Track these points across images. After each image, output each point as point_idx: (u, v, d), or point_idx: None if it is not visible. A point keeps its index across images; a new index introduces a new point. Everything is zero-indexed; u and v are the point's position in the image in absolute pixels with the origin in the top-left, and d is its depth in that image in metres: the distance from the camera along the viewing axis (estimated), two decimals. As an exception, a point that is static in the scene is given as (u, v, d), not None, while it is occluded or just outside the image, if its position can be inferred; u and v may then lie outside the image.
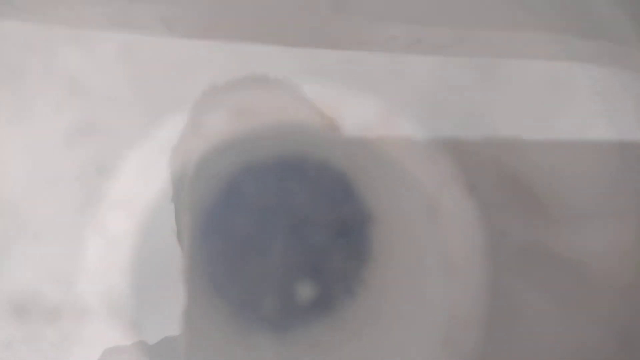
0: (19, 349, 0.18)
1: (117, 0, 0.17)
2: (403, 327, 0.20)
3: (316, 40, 0.19)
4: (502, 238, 0.20)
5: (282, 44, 0.18)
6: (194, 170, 0.18)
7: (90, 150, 0.18)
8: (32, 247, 0.18)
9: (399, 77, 0.19)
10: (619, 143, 0.21)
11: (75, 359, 0.18)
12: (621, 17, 0.20)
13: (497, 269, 0.20)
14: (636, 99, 0.21)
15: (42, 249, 0.18)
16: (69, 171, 0.18)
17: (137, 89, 0.18)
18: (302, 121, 0.19)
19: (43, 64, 0.17)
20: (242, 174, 0.19)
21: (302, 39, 0.18)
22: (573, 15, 0.20)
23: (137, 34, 0.17)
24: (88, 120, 0.18)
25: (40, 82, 0.18)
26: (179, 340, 0.18)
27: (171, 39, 0.17)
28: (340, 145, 0.19)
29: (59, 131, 0.18)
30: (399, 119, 0.19)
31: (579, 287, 0.21)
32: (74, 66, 0.18)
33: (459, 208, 0.20)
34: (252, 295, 0.19)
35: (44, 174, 0.18)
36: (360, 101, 0.19)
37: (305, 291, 0.19)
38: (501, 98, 0.20)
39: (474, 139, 0.20)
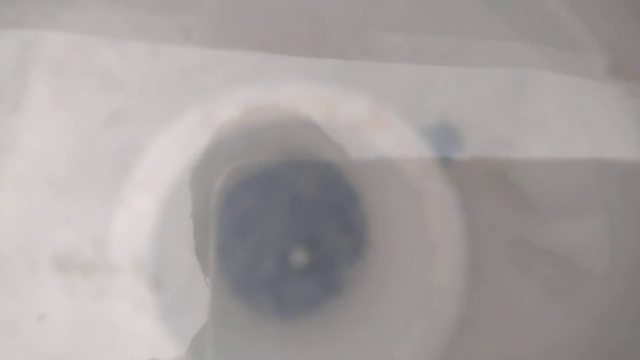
0: (59, 297, 0.20)
1: (141, 12, 0.20)
2: (389, 293, 0.22)
3: (320, 49, 0.21)
4: (491, 231, 0.22)
5: (288, 53, 0.21)
6: (208, 155, 0.21)
7: (122, 134, 0.20)
8: (72, 213, 0.20)
9: (388, 78, 0.22)
10: (592, 146, 0.22)
11: (106, 307, 0.20)
12: (584, 30, 0.22)
13: (485, 259, 0.22)
14: (603, 104, 0.22)
15: (80, 215, 0.20)
16: (103, 151, 0.20)
17: (162, 84, 0.20)
18: (303, 116, 0.21)
19: (83, 62, 0.20)
20: (249, 158, 0.21)
21: (307, 48, 0.21)
22: (542, 27, 0.22)
23: (159, 42, 0.20)
24: (120, 108, 0.20)
25: (81, 76, 0.20)
26: (190, 293, 0.21)
27: (189, 47, 0.20)
28: (335, 136, 0.21)
29: (96, 116, 0.20)
30: (387, 114, 0.22)
31: (562, 277, 0.22)
32: (109, 64, 0.20)
33: (440, 194, 0.22)
34: (255, 258, 0.21)
35: (82, 152, 0.20)
36: (353, 99, 0.21)
37: (301, 257, 0.21)
38: (482, 98, 0.22)
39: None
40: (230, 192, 0.21)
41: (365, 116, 0.21)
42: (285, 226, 0.21)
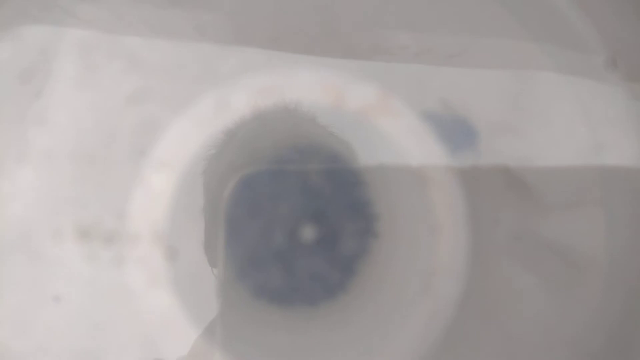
0: (81, 265, 0.22)
1: (156, 9, 0.21)
2: (394, 275, 0.23)
3: (330, 45, 0.22)
4: (495, 224, 0.22)
5: (298, 52, 0.22)
6: (223, 137, 0.22)
7: (143, 113, 0.22)
8: (95, 184, 0.22)
9: (396, 69, 0.23)
10: (594, 144, 0.23)
11: (126, 273, 0.22)
12: (589, 28, 0.23)
13: (487, 249, 0.23)
14: (606, 104, 0.23)
15: (103, 188, 0.22)
16: (125, 128, 0.22)
17: (180, 69, 0.22)
18: (314, 100, 0.22)
19: (108, 43, 0.21)
20: (262, 139, 0.23)
21: (317, 44, 0.22)
22: (551, 27, 0.23)
23: (175, 39, 0.21)
24: (143, 87, 0.22)
25: (106, 56, 0.22)
26: (203, 265, 0.23)
27: (204, 43, 0.21)
28: (343, 120, 0.23)
29: (119, 95, 0.22)
30: (394, 100, 0.23)
31: (561, 269, 0.22)
32: (133, 46, 0.22)
33: (444, 181, 0.23)
34: (265, 233, 0.22)
35: (105, 129, 0.22)
36: (362, 85, 0.23)
37: (310, 232, 0.22)
38: (487, 93, 0.23)
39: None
40: (244, 169, 0.22)
41: (373, 102, 0.23)
42: (294, 205, 0.22)
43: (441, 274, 0.23)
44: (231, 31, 0.22)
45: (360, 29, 0.23)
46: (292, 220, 0.22)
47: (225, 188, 0.22)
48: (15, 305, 0.22)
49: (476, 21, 0.23)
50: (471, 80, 0.23)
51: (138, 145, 0.22)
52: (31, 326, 0.22)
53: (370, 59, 0.22)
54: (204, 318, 0.22)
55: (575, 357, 0.23)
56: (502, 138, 0.23)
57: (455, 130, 0.23)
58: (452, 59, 0.23)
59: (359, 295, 0.23)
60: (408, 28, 0.23)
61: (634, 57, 0.23)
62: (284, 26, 0.22)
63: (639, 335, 0.22)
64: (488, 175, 0.23)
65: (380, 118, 0.22)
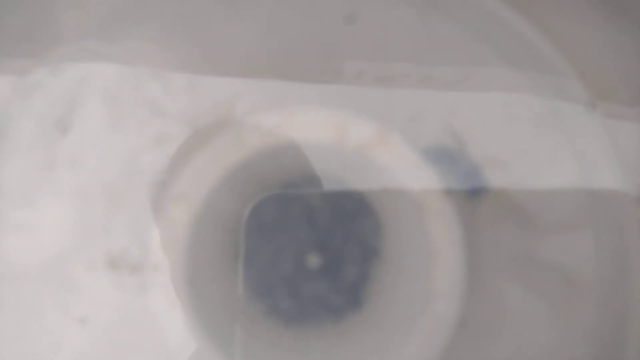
0: (109, 292, 0.23)
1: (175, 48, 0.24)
2: (395, 297, 0.24)
3: (335, 77, 0.24)
4: (494, 247, 0.24)
5: (305, 81, 0.24)
6: (236, 173, 0.24)
7: (163, 154, 0.24)
8: (123, 220, 0.24)
9: (392, 102, 0.24)
10: (580, 169, 0.24)
11: (149, 299, 0.24)
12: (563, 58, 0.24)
13: (487, 272, 0.24)
14: (586, 130, 0.24)
15: (129, 222, 0.24)
16: (147, 169, 0.24)
17: (197, 113, 0.24)
18: (316, 138, 0.24)
19: (131, 91, 0.24)
20: (271, 174, 0.24)
21: (322, 76, 0.24)
22: (528, 57, 0.24)
23: (191, 73, 0.24)
24: (163, 132, 0.24)
25: (130, 104, 0.24)
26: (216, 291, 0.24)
27: (217, 77, 0.24)
28: (345, 156, 0.24)
29: (143, 139, 0.24)
30: (392, 136, 0.24)
31: (559, 288, 0.23)
32: (154, 95, 0.24)
33: (440, 209, 0.24)
34: (274, 260, 0.24)
35: (130, 168, 0.24)
36: (362, 122, 0.24)
37: (314, 260, 0.24)
38: (480, 119, 0.24)
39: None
40: (253, 201, 0.24)
41: (373, 138, 0.24)
42: (300, 234, 0.24)
43: (440, 297, 0.24)
44: (242, 67, 0.24)
45: (363, 61, 0.24)
46: (300, 248, 0.24)
47: (240, 218, 0.24)
48: (45, 326, 0.24)
49: (472, 58, 0.25)
50: (468, 109, 0.24)
51: (159, 183, 0.24)
52: (58, 347, 0.24)
53: (373, 87, 0.24)
54: (221, 341, 0.24)
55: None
56: (495, 164, 0.24)
57: (447, 160, 0.24)
58: (452, 87, 0.24)
59: (362, 317, 0.24)
60: (408, 59, 0.24)
61: (609, 83, 0.24)
62: (291, 61, 0.24)
63: (629, 347, 0.24)
64: (485, 200, 0.24)
65: (379, 151, 0.24)
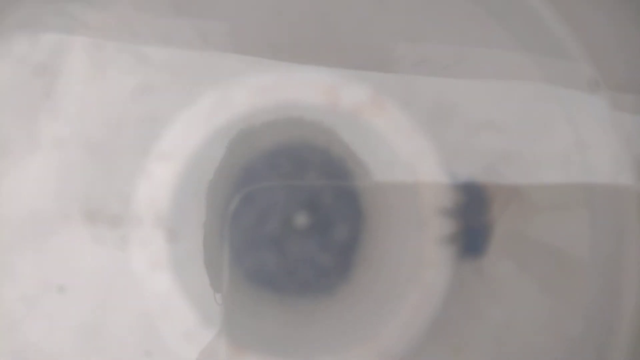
0: (88, 245, 0.23)
1: (162, 17, 0.23)
2: (385, 266, 0.24)
3: (327, 54, 0.23)
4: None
5: (300, 62, 0.23)
6: (224, 133, 0.23)
7: (148, 106, 0.23)
8: (101, 171, 0.23)
9: (387, 69, 0.24)
10: (578, 150, 0.24)
11: (130, 254, 0.23)
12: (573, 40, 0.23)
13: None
14: (589, 113, 0.24)
15: (109, 174, 0.23)
16: (131, 121, 0.23)
17: (184, 65, 0.23)
18: (310, 99, 0.23)
19: (115, 45, 0.23)
20: (261, 132, 0.24)
21: (315, 51, 0.23)
22: (537, 38, 0.24)
23: (179, 46, 0.23)
24: (148, 82, 0.23)
25: (113, 53, 0.23)
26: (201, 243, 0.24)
27: (207, 50, 0.23)
28: (337, 118, 0.24)
29: (126, 89, 0.23)
30: (385, 100, 0.24)
31: (553, 267, 0.24)
32: (139, 47, 0.23)
33: (431, 176, 0.24)
34: (261, 219, 0.24)
35: (112, 121, 0.23)
36: (355, 86, 0.24)
37: (302, 221, 0.24)
38: (475, 89, 0.24)
39: (455, 126, 0.24)
40: (241, 155, 0.24)
41: (366, 102, 0.24)
42: (288, 191, 0.24)
43: (429, 266, 0.24)
44: (232, 38, 0.23)
45: (358, 38, 0.24)
46: (288, 210, 0.24)
47: (227, 179, 0.24)
48: (23, 288, 0.23)
49: (472, 34, 0.24)
50: (464, 87, 0.24)
51: (142, 136, 0.23)
52: (39, 304, 0.23)
53: (367, 69, 0.24)
54: (202, 300, 0.24)
55: (558, 341, 0.24)
56: (487, 136, 0.24)
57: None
58: (449, 70, 0.24)
59: (353, 288, 0.24)
60: (404, 38, 0.24)
61: (616, 71, 0.24)
62: (282, 33, 0.23)
63: (617, 323, 0.24)
64: (479, 174, 0.24)
65: (370, 116, 0.23)
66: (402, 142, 0.24)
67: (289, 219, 0.24)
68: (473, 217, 0.24)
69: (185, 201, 0.24)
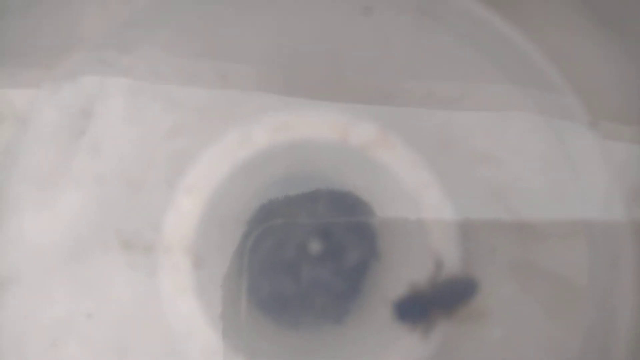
0: (124, 272, 0.25)
1: (185, 59, 0.25)
2: (387, 289, 0.25)
3: (337, 90, 0.25)
4: (492, 252, 0.24)
5: (313, 100, 0.25)
6: (244, 168, 0.25)
7: (177, 145, 0.25)
8: (136, 204, 0.25)
9: (394, 102, 0.25)
10: (575, 181, 0.25)
11: (161, 279, 0.25)
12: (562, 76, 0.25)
13: (484, 273, 0.24)
14: (583, 145, 0.25)
15: (142, 206, 0.25)
16: (162, 158, 0.25)
17: (209, 109, 0.25)
18: (322, 137, 0.25)
19: (148, 88, 0.25)
20: (277, 167, 0.25)
21: (326, 88, 0.25)
22: (528, 74, 0.25)
23: (201, 87, 0.25)
24: (178, 124, 0.25)
25: (147, 98, 0.25)
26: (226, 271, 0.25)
27: (226, 90, 0.25)
28: (348, 154, 0.25)
29: (160, 129, 0.25)
30: (391, 136, 0.25)
31: (557, 293, 0.24)
32: (170, 89, 0.25)
33: (436, 206, 0.25)
34: (278, 246, 0.25)
35: (147, 157, 0.25)
36: (364, 123, 0.25)
37: (316, 249, 0.25)
38: (476, 124, 0.25)
39: (457, 159, 0.25)
40: (261, 192, 0.25)
41: (374, 139, 0.25)
42: (304, 221, 0.25)
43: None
44: (250, 78, 0.25)
45: (366, 76, 0.25)
46: (302, 234, 0.25)
47: (247, 211, 0.25)
48: (59, 311, 0.25)
49: (471, 72, 0.25)
50: (465, 122, 0.25)
51: (172, 172, 0.25)
52: (72, 327, 0.25)
53: (375, 103, 0.25)
54: (223, 323, 0.25)
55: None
56: (488, 168, 0.25)
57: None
58: (452, 104, 0.25)
59: (363, 313, 0.25)
60: (410, 76, 0.25)
61: (607, 102, 0.25)
62: (296, 73, 0.25)
63: (613, 344, 0.24)
64: (482, 204, 0.25)
65: (378, 153, 0.25)
66: (407, 174, 0.25)
67: (303, 250, 0.25)
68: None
69: (210, 231, 0.25)
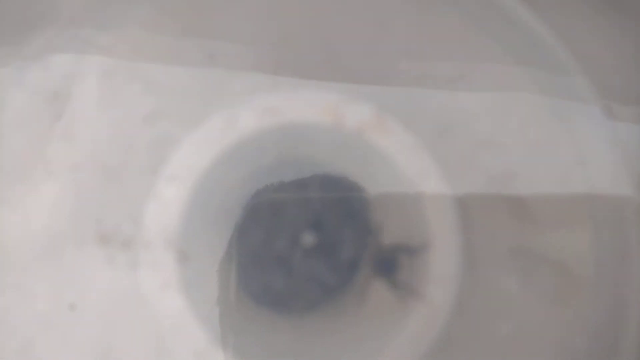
0: (102, 267, 0.24)
1: (170, 38, 0.24)
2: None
3: (331, 70, 0.24)
4: (492, 239, 0.24)
5: (304, 81, 0.24)
6: (231, 154, 0.24)
7: (157, 130, 0.24)
8: (115, 194, 0.24)
9: (389, 87, 0.24)
10: (581, 166, 0.24)
11: (141, 275, 0.24)
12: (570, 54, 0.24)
13: (484, 263, 0.24)
14: (589, 126, 0.24)
15: (121, 196, 0.24)
16: (141, 143, 0.24)
17: (191, 90, 0.24)
18: (313, 119, 0.24)
19: (126, 69, 0.24)
20: (267, 152, 0.24)
21: (319, 69, 0.24)
22: (533, 53, 0.24)
23: (187, 65, 0.24)
24: (158, 107, 0.24)
25: (125, 79, 0.24)
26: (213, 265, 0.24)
27: (214, 68, 0.24)
28: (342, 139, 0.24)
29: (137, 114, 0.24)
30: (388, 119, 0.24)
31: (562, 283, 0.24)
32: (149, 71, 0.24)
33: (436, 194, 0.24)
34: (268, 236, 0.24)
35: (123, 144, 0.24)
36: (359, 104, 0.24)
37: (310, 237, 0.24)
38: (477, 107, 0.24)
39: (458, 143, 0.24)
40: (248, 176, 0.24)
41: (370, 122, 0.24)
42: (295, 209, 0.24)
43: (435, 283, 0.24)
44: (238, 58, 0.24)
45: (361, 57, 0.24)
46: (295, 229, 0.24)
47: (234, 199, 0.24)
48: (37, 308, 0.24)
49: (471, 51, 0.25)
50: (465, 104, 0.24)
51: (152, 159, 0.24)
52: (51, 328, 0.24)
53: (370, 83, 0.24)
54: (212, 319, 0.24)
55: (563, 356, 0.24)
56: (489, 153, 0.24)
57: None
58: (451, 84, 0.24)
59: (357, 302, 0.24)
60: (405, 55, 0.24)
61: (617, 83, 0.24)
62: (287, 53, 0.24)
63: (621, 338, 0.24)
64: (482, 191, 0.24)
65: (373, 135, 0.24)
66: (405, 159, 0.24)
67: (295, 240, 0.24)
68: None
69: (195, 222, 0.24)
